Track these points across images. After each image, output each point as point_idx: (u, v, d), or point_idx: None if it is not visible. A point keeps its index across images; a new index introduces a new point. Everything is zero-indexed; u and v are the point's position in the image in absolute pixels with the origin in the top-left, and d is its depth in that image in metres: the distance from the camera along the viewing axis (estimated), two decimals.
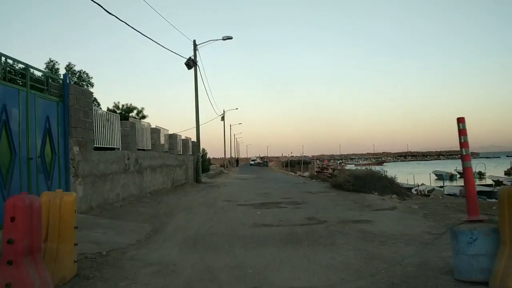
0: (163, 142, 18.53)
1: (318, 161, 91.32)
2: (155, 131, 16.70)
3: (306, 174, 62.22)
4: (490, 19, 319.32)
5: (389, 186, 15.91)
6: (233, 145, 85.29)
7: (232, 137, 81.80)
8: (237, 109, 61.96)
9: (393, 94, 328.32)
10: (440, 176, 54.35)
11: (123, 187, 12.29)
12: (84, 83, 16.03)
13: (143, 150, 15.04)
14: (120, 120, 13.02)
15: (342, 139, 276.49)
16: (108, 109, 21.82)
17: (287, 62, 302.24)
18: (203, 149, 39.26)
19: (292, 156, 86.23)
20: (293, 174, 57.40)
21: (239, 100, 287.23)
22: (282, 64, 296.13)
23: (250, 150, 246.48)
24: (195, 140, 25.73)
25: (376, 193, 15.33)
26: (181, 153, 22.17)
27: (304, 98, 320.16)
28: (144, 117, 25.11)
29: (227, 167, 62.39)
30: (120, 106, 24.38)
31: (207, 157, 40.57)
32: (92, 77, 16.68)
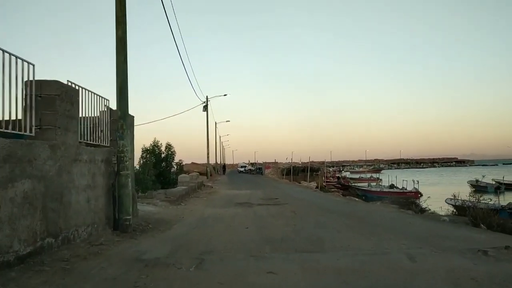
0: None
1: (331, 169, 75.26)
2: None
3: (313, 184, 47.40)
4: (487, 26, 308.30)
5: None
6: (218, 149, 68.31)
7: (218, 139, 64.83)
8: (225, 95, 44.70)
9: (385, 100, 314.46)
10: (482, 188, 41.94)
11: None
12: None
13: None
14: None
15: (333, 145, 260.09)
16: None
17: (277, 62, 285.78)
18: (169, 145, 22.08)
19: (289, 162, 69.53)
20: (299, 184, 41.70)
21: (226, 101, 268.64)
22: (274, 65, 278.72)
23: (236, 156, 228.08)
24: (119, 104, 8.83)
25: None
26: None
27: (293, 102, 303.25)
28: None
29: (211, 175, 45.27)
30: None
31: (176, 162, 23.28)
32: None
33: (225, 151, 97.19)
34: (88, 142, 7.73)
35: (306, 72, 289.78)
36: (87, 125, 7.77)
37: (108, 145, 8.81)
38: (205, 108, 42.22)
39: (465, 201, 13.34)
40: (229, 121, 68.22)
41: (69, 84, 6.88)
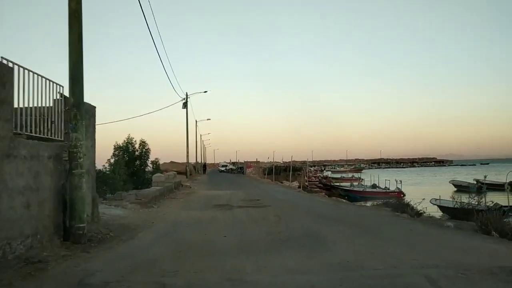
0: None
1: (313, 168, 74.21)
2: None
3: (295, 184, 46.65)
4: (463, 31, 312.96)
5: None
6: (199, 147, 66.61)
7: (198, 138, 63.13)
8: (206, 92, 43.21)
9: (365, 100, 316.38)
10: (464, 188, 41.36)
11: None
12: None
13: None
14: None
15: (314, 145, 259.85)
16: None
17: (259, 62, 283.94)
18: (143, 143, 20.64)
19: (271, 162, 68.62)
20: (281, 184, 40.74)
21: (207, 99, 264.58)
22: (255, 65, 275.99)
23: (218, 155, 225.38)
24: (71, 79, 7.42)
25: None
26: None
27: (274, 102, 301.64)
28: None
29: (191, 174, 43.73)
30: None
31: (152, 161, 21.85)
32: None
33: (206, 150, 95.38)
34: (31, 134, 6.34)
35: (287, 72, 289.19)
36: (31, 114, 6.40)
37: (62, 139, 7.43)
38: (185, 105, 40.66)
39: (464, 203, 12.38)
40: (209, 119, 66.23)
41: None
